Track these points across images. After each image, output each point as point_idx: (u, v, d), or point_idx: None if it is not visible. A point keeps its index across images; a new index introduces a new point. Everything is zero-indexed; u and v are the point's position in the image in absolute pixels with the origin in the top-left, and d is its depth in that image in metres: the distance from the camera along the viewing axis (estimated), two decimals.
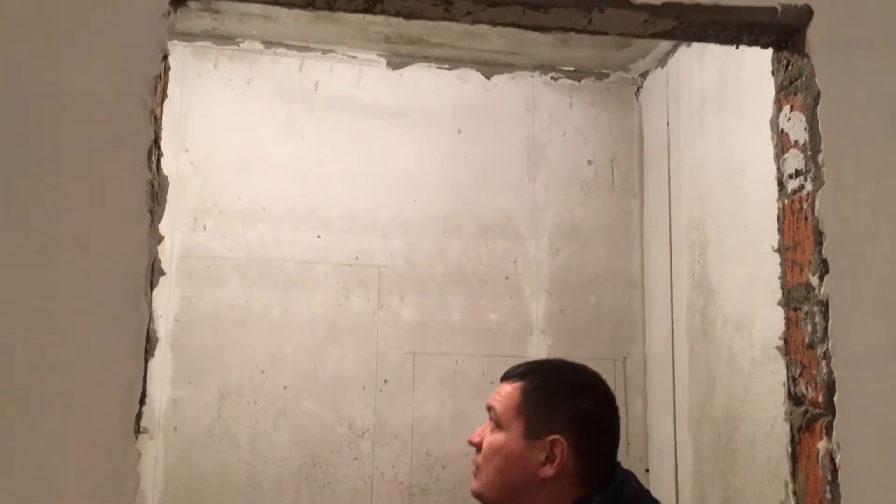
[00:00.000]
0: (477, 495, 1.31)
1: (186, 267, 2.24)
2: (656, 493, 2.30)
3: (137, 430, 0.76)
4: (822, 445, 0.85)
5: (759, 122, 1.77)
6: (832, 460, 0.83)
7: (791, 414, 0.92)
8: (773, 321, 1.76)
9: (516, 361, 2.35)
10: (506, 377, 1.35)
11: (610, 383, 2.37)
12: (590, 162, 2.50)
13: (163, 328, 2.21)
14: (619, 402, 2.36)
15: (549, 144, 2.50)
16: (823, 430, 0.85)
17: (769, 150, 1.04)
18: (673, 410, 2.21)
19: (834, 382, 0.85)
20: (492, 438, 1.29)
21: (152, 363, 2.19)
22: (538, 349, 2.37)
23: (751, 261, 1.87)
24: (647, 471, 2.34)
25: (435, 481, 2.27)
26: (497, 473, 1.28)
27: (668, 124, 2.34)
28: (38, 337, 0.73)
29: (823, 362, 0.86)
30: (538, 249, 2.43)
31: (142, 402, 0.76)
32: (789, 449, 0.91)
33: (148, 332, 0.79)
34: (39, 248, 0.73)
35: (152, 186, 0.77)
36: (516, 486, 1.27)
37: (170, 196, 0.84)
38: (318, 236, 2.33)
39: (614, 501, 1.26)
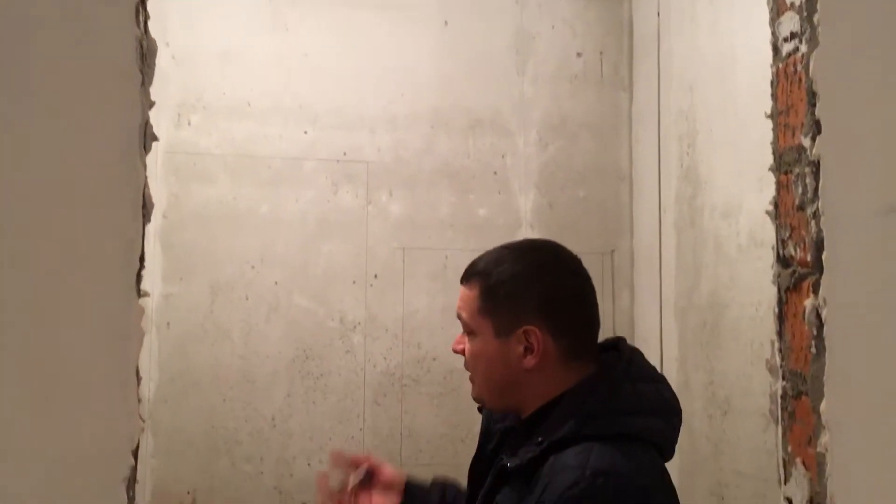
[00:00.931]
0: (478, 400, 1.30)
1: (172, 163, 2.22)
2: None
3: (139, 290, 0.77)
4: (808, 303, 0.87)
5: (751, 9, 1.75)
6: (818, 316, 0.85)
7: (779, 276, 0.94)
8: (759, 208, 1.77)
9: None
10: (463, 280, 1.27)
11: (598, 276, 2.41)
12: (579, 55, 2.47)
13: (151, 225, 2.19)
14: (607, 295, 2.42)
15: (538, 37, 2.46)
16: (810, 289, 0.87)
17: (761, 38, 1.02)
18: (659, 300, 2.25)
19: (822, 241, 0.86)
20: (470, 347, 1.25)
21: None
22: None
23: (740, 150, 1.87)
24: None
25: (426, 373, 2.32)
26: (485, 377, 1.25)
27: (658, 14, 2.30)
28: (35, 195, 0.73)
29: (813, 222, 0.87)
30: (526, 144, 2.42)
31: (141, 261, 0.77)
32: (776, 310, 0.94)
33: (144, 195, 0.79)
34: (31, 108, 0.72)
35: (141, 46, 0.76)
36: (507, 384, 1.24)
37: (152, 90, 0.83)
38: (305, 132, 2.31)
39: (626, 374, 1.25)
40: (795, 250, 0.90)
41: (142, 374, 2.26)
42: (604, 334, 2.41)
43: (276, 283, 2.26)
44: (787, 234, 0.92)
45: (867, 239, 0.87)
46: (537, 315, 1.20)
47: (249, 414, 2.22)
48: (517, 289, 1.22)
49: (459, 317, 1.27)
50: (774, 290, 1.74)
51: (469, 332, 1.25)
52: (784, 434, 0.91)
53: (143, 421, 0.69)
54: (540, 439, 1.15)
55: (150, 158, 2.41)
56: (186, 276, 2.22)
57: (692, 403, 2.05)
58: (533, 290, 1.22)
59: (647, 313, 2.33)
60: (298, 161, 2.30)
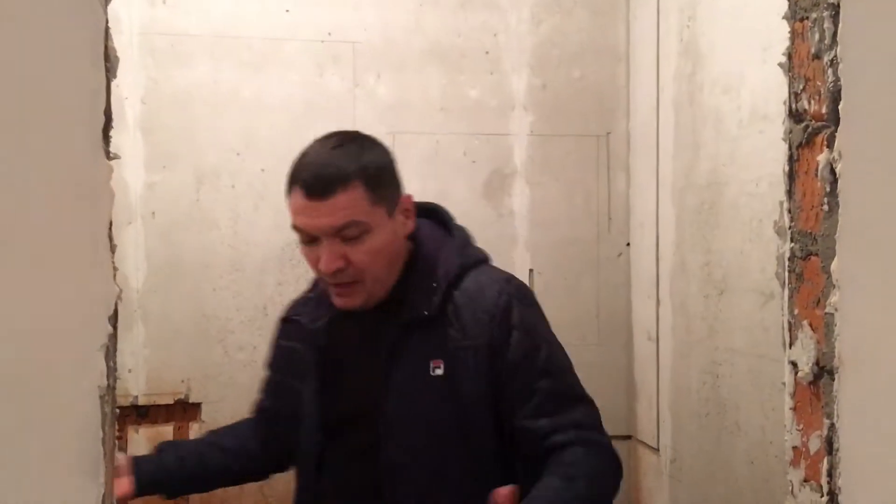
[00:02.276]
0: (363, 305, 1.30)
1: (149, 45, 2.12)
2: (636, 265, 2.35)
3: (107, 149, 0.72)
4: (822, 157, 0.82)
5: None
6: (832, 171, 0.81)
7: (790, 132, 0.89)
8: (762, 81, 1.71)
9: (498, 139, 2.32)
10: (328, 192, 1.21)
11: (593, 160, 2.37)
12: None
13: (130, 111, 2.12)
14: (602, 179, 2.37)
15: None
16: (825, 142, 0.82)
17: None
18: (656, 182, 2.20)
19: (839, 91, 0.81)
20: (367, 246, 1.24)
21: (122, 146, 2.12)
22: (520, 126, 2.32)
23: (742, 20, 1.79)
24: (629, 244, 2.37)
25: None
26: (385, 268, 1.29)
27: None
28: None
29: (829, 70, 0.81)
30: (519, 21, 2.32)
31: (108, 115, 0.71)
32: (786, 168, 0.89)
33: (106, 48, 0.72)
34: None
35: None
36: (396, 258, 1.31)
37: None
38: (287, 10, 2.20)
39: (445, 215, 1.45)
40: (809, 103, 0.85)
41: (129, 264, 2.21)
42: (598, 218, 2.38)
43: (262, 170, 2.20)
44: (801, 87, 0.86)
45: (888, 86, 0.81)
46: (398, 182, 1.32)
47: (241, 303, 2.20)
48: (388, 169, 1.30)
49: (347, 226, 1.22)
50: (777, 161, 1.69)
51: (361, 232, 1.24)
52: (791, 297, 0.88)
53: (120, 289, 0.65)
54: (434, 284, 1.29)
55: (124, 40, 2.31)
56: (170, 163, 2.15)
57: (688, 285, 2.04)
58: (392, 166, 1.31)
59: (643, 196, 2.28)
60: (280, 42, 2.20)
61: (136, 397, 2.13)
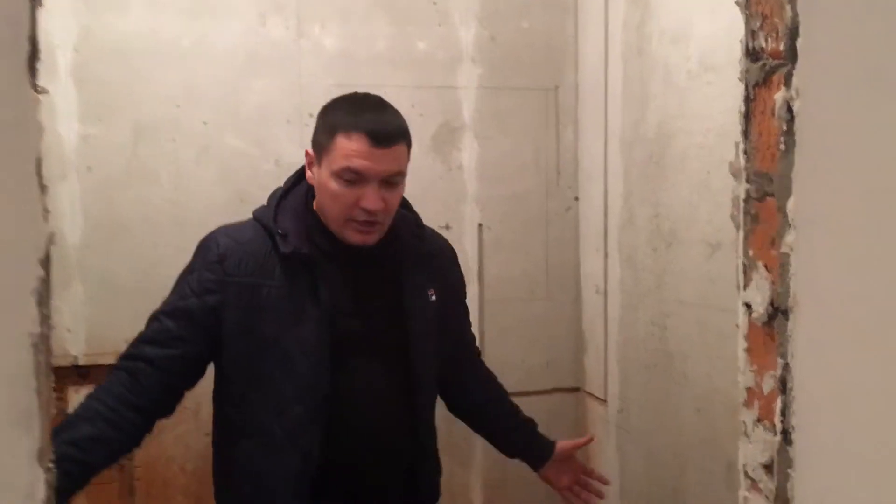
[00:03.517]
0: (375, 241, 1.48)
1: None
2: (585, 218, 2.35)
3: (33, 80, 0.67)
4: (779, 96, 0.81)
5: None
6: (789, 110, 0.80)
7: (747, 72, 0.88)
8: (711, 30, 1.70)
9: (446, 92, 2.28)
10: (392, 142, 1.43)
11: (542, 113, 2.35)
12: None
13: (61, 59, 2.02)
14: (551, 132, 2.35)
15: None
16: (782, 81, 0.81)
17: None
18: (604, 135, 2.19)
19: (797, 27, 0.80)
20: (398, 193, 1.48)
21: (54, 96, 2.02)
22: (468, 79, 2.29)
23: None
24: (577, 198, 2.37)
25: None
26: (395, 210, 1.50)
27: None
28: None
29: (788, 6, 0.80)
30: None
31: (33, 43, 0.66)
32: (742, 108, 0.88)
33: None
34: None
35: None
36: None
37: None
38: None
39: None
40: (766, 41, 0.84)
41: (65, 220, 2.11)
42: (547, 172, 2.37)
43: (204, 122, 2.13)
44: (758, 24, 0.85)
45: (846, 21, 0.80)
46: None
47: (184, 260, 2.13)
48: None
49: (397, 174, 1.45)
50: (726, 112, 1.70)
51: (401, 180, 1.47)
52: (746, 239, 0.87)
53: (52, 231, 0.60)
54: (418, 229, 1.61)
55: None
56: (105, 115, 2.07)
57: (636, 238, 2.04)
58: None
59: (591, 149, 2.27)
60: None
61: (77, 357, 2.07)
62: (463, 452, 2.31)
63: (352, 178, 1.40)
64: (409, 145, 1.48)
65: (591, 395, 2.32)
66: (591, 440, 1.91)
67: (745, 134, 0.87)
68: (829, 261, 0.77)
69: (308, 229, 1.47)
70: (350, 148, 1.39)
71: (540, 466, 1.81)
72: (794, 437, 0.81)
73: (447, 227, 2.27)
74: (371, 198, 1.41)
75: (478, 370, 1.83)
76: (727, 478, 1.71)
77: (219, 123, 2.13)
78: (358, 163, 1.39)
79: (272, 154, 2.16)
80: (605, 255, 2.20)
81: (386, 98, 2.21)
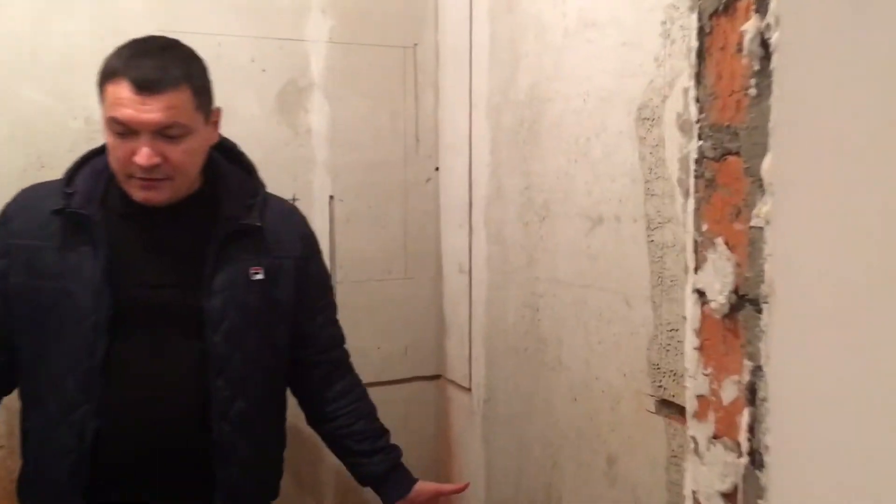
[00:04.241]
0: (166, 201, 1.38)
1: None
2: (447, 191, 2.16)
3: None
4: (749, 26, 0.63)
5: None
6: (764, 43, 0.62)
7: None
8: None
9: (292, 46, 2.01)
10: (159, 89, 1.30)
11: (399, 74, 2.12)
12: None
13: None
14: (409, 96, 2.13)
15: None
16: (752, 6, 0.63)
17: None
18: (469, 100, 2.00)
19: None
20: (184, 147, 1.34)
21: None
22: (318, 31, 2.02)
23: None
24: (438, 169, 2.17)
25: None
26: (194, 171, 1.40)
27: None
28: None
29: None
30: None
31: None
32: (694, 44, 0.70)
33: None
34: None
35: None
36: (200, 167, 1.43)
37: None
38: None
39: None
40: None
41: None
42: (405, 140, 2.15)
43: None
44: None
45: None
46: (213, 96, 1.43)
47: None
48: (209, 79, 1.40)
49: (171, 126, 1.31)
50: (608, 72, 1.55)
51: (182, 133, 1.33)
52: (698, 209, 0.70)
53: None
54: (252, 201, 1.49)
55: None
56: None
57: (505, 212, 1.87)
58: (209, 77, 1.41)
59: (454, 115, 2.08)
60: None
61: None
62: (313, 449, 2.07)
63: (120, 129, 1.30)
64: (196, 93, 1.34)
65: (454, 383, 2.15)
66: (463, 488, 1.75)
67: (698, 78, 0.69)
68: (814, 236, 0.60)
69: (106, 188, 1.40)
70: (115, 96, 1.29)
71: (392, 502, 1.65)
72: (766, 459, 0.64)
73: (294, 199, 2.01)
74: (141, 152, 1.30)
75: (333, 376, 1.65)
76: (608, 472, 1.57)
77: (13, 71, 1.76)
78: (121, 112, 1.28)
79: (81, 110, 1.81)
80: (470, 231, 2.02)
81: (220, 49, 1.93)
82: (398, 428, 1.77)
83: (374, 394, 1.76)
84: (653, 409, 1.47)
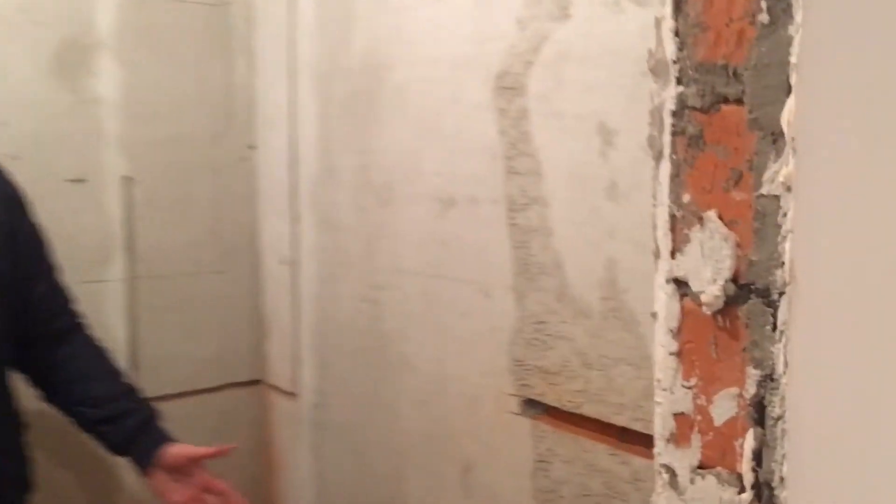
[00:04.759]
0: None
1: None
2: (265, 172, 1.91)
3: None
4: None
5: None
6: None
7: None
8: None
9: None
10: None
11: (205, 36, 1.84)
12: None
13: None
14: (218, 62, 1.86)
15: None
16: None
17: None
18: (290, 67, 1.76)
19: None
20: None
21: None
22: None
23: None
24: (253, 147, 1.91)
25: None
26: None
27: None
28: None
29: None
30: None
31: None
32: None
33: None
34: None
35: None
36: None
37: None
38: None
39: None
40: None
41: None
42: (214, 112, 1.88)
43: None
44: None
45: None
46: None
47: None
48: None
49: None
50: (466, 37, 1.38)
51: None
52: (676, 175, 0.54)
53: None
54: None
55: None
56: None
57: (337, 194, 1.66)
58: None
59: (273, 84, 1.83)
60: None
61: None
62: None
63: None
64: None
65: (277, 388, 1.90)
66: (224, 452, 1.44)
67: (677, 4, 0.53)
68: (851, 206, 0.46)
69: None
70: None
71: (146, 470, 1.38)
72: (781, 495, 0.49)
73: (80, 181, 1.68)
74: None
75: (62, 342, 1.42)
76: (463, 482, 1.42)
77: None
78: None
79: None
80: (294, 217, 1.79)
81: None
82: (210, 444, 1.51)
83: (182, 406, 1.51)
84: (516, 410, 1.33)
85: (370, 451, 1.63)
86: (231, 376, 1.94)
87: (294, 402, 1.84)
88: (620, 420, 1.17)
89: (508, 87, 1.28)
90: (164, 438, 1.39)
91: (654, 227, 0.56)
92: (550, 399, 1.27)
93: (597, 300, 1.18)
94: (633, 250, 1.12)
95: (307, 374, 1.80)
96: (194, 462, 1.38)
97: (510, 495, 1.34)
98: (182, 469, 1.38)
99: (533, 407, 1.31)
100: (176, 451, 1.37)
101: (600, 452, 1.20)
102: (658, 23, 0.54)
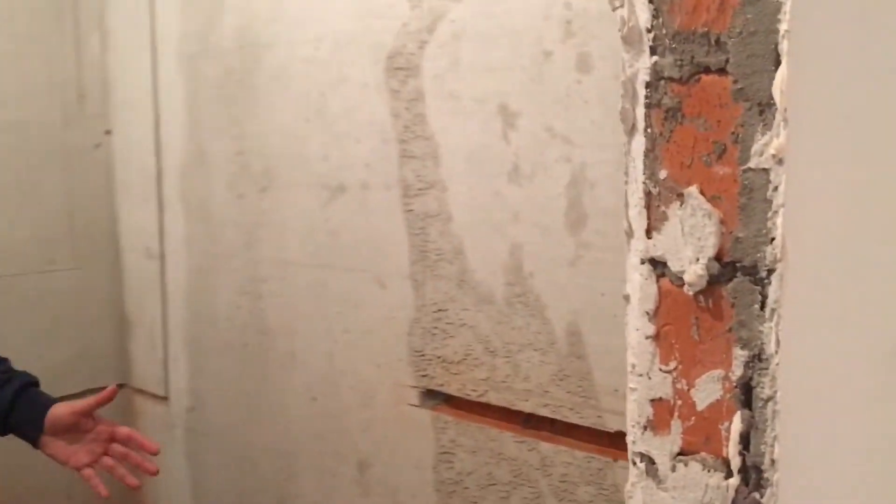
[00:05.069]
0: None
1: None
2: (124, 159, 1.75)
3: None
4: None
5: None
6: None
7: None
8: None
9: None
10: None
11: (52, 11, 1.68)
12: None
13: None
14: (68, 40, 1.70)
15: None
16: None
17: None
18: (152, 46, 1.63)
19: None
20: None
21: None
22: None
23: None
24: (109, 132, 1.76)
25: None
26: None
27: None
28: None
29: None
30: None
31: None
32: None
33: None
34: None
35: None
36: None
37: None
38: None
39: None
40: None
41: None
42: (64, 95, 1.71)
43: None
44: None
45: None
46: None
47: None
48: None
49: None
50: (352, 16, 1.32)
51: None
52: (651, 149, 0.51)
53: None
54: None
55: None
56: None
57: (210, 182, 1.55)
58: None
59: (132, 65, 1.68)
60: None
61: None
62: None
63: None
64: None
65: (144, 392, 1.77)
66: (110, 395, 1.22)
67: None
68: (846, 179, 0.45)
69: None
70: None
71: (38, 440, 1.21)
72: (772, 477, 0.48)
73: None
74: None
75: None
76: (360, 479, 1.37)
77: None
78: None
79: None
80: (161, 207, 1.66)
81: None
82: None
83: None
84: (416, 402, 1.29)
85: (255, 454, 1.54)
86: (91, 381, 1.77)
87: (164, 407, 1.72)
88: (527, 406, 1.15)
89: (401, 67, 1.23)
90: (47, 402, 1.22)
91: (626, 206, 0.53)
92: (453, 389, 1.24)
93: (501, 286, 1.16)
94: (539, 234, 1.11)
95: (179, 375, 1.68)
96: (85, 416, 1.22)
97: (411, 490, 1.30)
98: (76, 427, 1.22)
99: (433, 398, 1.28)
100: (60, 411, 1.21)
101: (506, 440, 1.18)
102: None
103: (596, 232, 1.06)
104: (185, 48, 1.57)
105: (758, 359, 0.48)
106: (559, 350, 1.11)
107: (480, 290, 1.18)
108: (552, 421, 1.15)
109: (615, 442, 1.09)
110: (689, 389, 0.51)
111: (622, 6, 0.82)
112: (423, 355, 1.26)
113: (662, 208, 0.51)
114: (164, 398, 1.71)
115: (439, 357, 1.24)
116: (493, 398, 1.19)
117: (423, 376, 1.27)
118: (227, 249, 1.53)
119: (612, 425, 1.08)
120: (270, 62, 1.42)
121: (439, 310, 1.23)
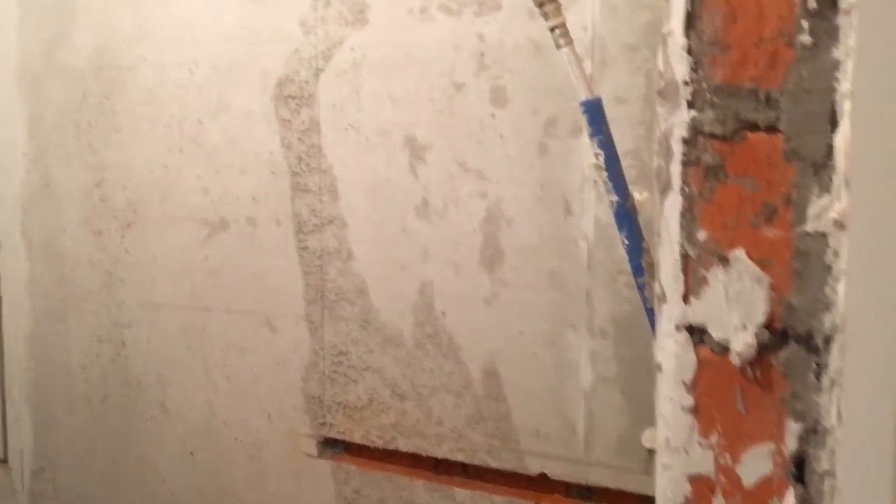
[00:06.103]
0: None
1: None
2: None
3: None
4: None
5: None
6: None
7: None
8: None
9: None
10: None
11: None
12: None
13: None
14: None
15: None
16: None
17: None
18: None
19: None
20: None
21: None
22: None
23: None
24: None
25: None
26: None
27: None
28: None
29: None
30: None
31: None
32: None
33: None
34: None
35: None
36: None
37: None
38: None
39: None
40: None
41: None
42: None
43: None
44: None
45: None
46: None
47: None
48: None
49: None
50: (220, 33, 1.20)
51: None
52: (689, 209, 0.48)
53: None
54: None
55: None
56: None
57: (59, 217, 1.38)
58: None
59: None
60: None
61: None
62: None
63: None
64: None
65: None
66: None
67: (690, 19, 0.48)
68: None
69: None
70: None
71: None
72: None
73: None
74: None
75: None
76: None
77: None
78: None
79: None
80: None
81: None
82: None
83: None
84: (314, 453, 1.20)
85: None
86: None
87: (4, 471, 1.50)
88: (440, 452, 1.10)
89: (293, 95, 1.15)
90: None
91: (658, 269, 0.50)
92: (356, 436, 1.16)
93: (410, 326, 1.10)
94: (452, 272, 1.06)
95: (21, 435, 1.47)
96: None
97: None
98: None
99: (333, 447, 1.19)
100: None
101: (418, 488, 1.12)
102: (665, 39, 0.48)
103: (514, 269, 1.03)
104: (28, 67, 1.39)
105: (813, 431, 0.46)
106: (475, 392, 1.07)
107: (387, 331, 1.12)
108: (465, 466, 1.10)
109: (536, 485, 1.06)
110: (733, 464, 0.48)
111: (567, 45, 0.78)
112: (321, 402, 1.18)
113: (702, 272, 0.48)
114: (3, 462, 1.50)
115: (340, 403, 1.16)
116: (403, 444, 1.13)
117: (322, 424, 1.18)
118: (81, 292, 1.37)
119: (534, 468, 1.04)
120: (135, 85, 1.28)
121: (340, 353, 1.15)
